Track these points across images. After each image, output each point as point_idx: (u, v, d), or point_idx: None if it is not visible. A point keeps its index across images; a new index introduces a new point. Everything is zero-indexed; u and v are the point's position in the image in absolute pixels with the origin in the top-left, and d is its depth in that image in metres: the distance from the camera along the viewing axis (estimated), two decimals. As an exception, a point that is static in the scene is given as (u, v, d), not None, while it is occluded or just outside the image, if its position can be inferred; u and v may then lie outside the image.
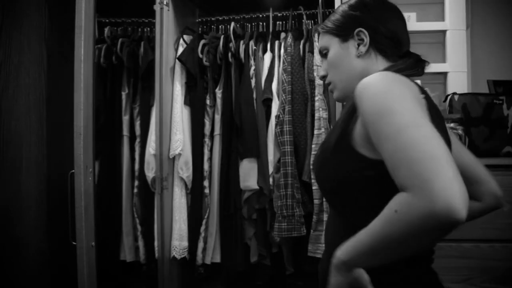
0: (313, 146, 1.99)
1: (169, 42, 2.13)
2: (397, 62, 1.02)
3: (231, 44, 2.16)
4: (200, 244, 2.13)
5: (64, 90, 1.86)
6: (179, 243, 2.12)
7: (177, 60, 2.16)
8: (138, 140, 2.26)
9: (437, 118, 0.94)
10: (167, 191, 2.09)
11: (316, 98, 2.02)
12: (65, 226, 1.76)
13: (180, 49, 2.17)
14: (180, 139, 2.13)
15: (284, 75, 2.07)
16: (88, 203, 1.68)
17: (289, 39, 2.12)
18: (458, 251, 1.56)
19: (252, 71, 2.15)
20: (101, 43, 2.30)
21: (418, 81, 1.26)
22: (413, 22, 2.18)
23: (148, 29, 2.38)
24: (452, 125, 1.73)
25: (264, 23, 2.32)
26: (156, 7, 2.05)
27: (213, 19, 2.40)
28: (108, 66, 2.30)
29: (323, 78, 1.12)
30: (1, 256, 2.01)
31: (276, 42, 2.18)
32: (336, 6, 1.91)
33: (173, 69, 2.18)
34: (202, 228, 2.14)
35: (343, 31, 1.05)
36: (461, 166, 0.87)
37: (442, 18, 2.20)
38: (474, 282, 1.61)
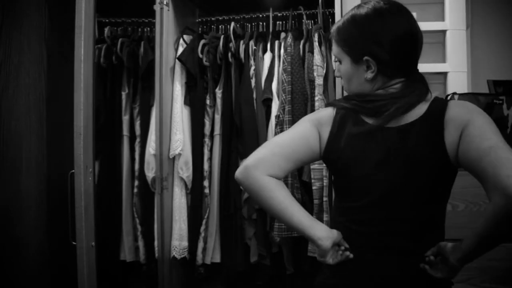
0: (313, 146, 1.99)
1: (169, 42, 2.13)
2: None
3: (231, 44, 2.16)
4: (200, 244, 2.13)
5: (64, 90, 1.86)
6: (179, 243, 2.12)
7: (177, 60, 2.16)
8: (138, 140, 2.26)
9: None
10: (167, 191, 2.09)
11: (316, 98, 2.02)
12: (65, 226, 1.76)
13: (180, 49, 2.17)
14: (180, 139, 2.13)
15: (284, 75, 2.07)
16: (88, 203, 1.68)
17: (289, 39, 2.12)
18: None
19: (252, 71, 2.15)
20: (101, 43, 2.30)
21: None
22: (413, 22, 2.17)
23: (148, 29, 2.38)
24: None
25: (264, 23, 2.32)
26: (156, 7, 2.05)
27: (213, 19, 2.40)
28: (108, 66, 2.30)
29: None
30: (1, 256, 2.01)
31: (276, 42, 2.18)
32: (336, 6, 1.91)
33: (173, 69, 2.18)
34: (202, 228, 2.14)
35: (353, 55, 1.12)
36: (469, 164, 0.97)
37: (442, 18, 2.20)
38: (474, 282, 1.61)
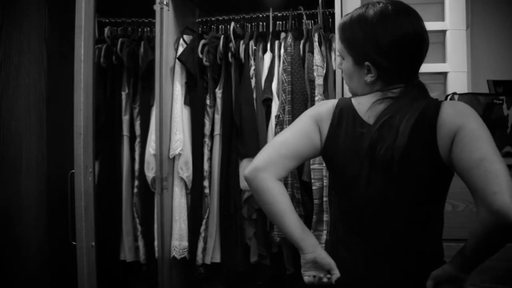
0: (313, 146, 1.99)
1: (169, 42, 2.13)
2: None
3: (231, 44, 2.16)
4: (200, 244, 2.13)
5: (64, 90, 1.86)
6: (179, 243, 2.12)
7: (177, 60, 2.16)
8: (138, 140, 2.26)
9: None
10: (167, 191, 2.09)
11: (316, 98, 2.02)
12: (65, 226, 1.76)
13: (180, 49, 2.17)
14: (180, 139, 2.13)
15: (284, 75, 2.07)
16: (88, 203, 1.68)
17: (289, 39, 2.12)
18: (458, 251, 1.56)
19: (252, 71, 2.15)
20: (101, 43, 2.30)
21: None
22: (413, 22, 2.17)
23: (148, 29, 2.38)
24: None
25: (264, 23, 2.32)
26: (156, 7, 2.05)
27: (213, 19, 2.40)
28: (108, 66, 2.30)
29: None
30: (1, 256, 2.01)
31: (276, 42, 2.18)
32: (336, 6, 1.91)
33: (173, 69, 2.18)
34: (202, 228, 2.14)
35: (355, 56, 1.13)
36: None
37: (442, 18, 2.20)
38: (474, 282, 1.61)
